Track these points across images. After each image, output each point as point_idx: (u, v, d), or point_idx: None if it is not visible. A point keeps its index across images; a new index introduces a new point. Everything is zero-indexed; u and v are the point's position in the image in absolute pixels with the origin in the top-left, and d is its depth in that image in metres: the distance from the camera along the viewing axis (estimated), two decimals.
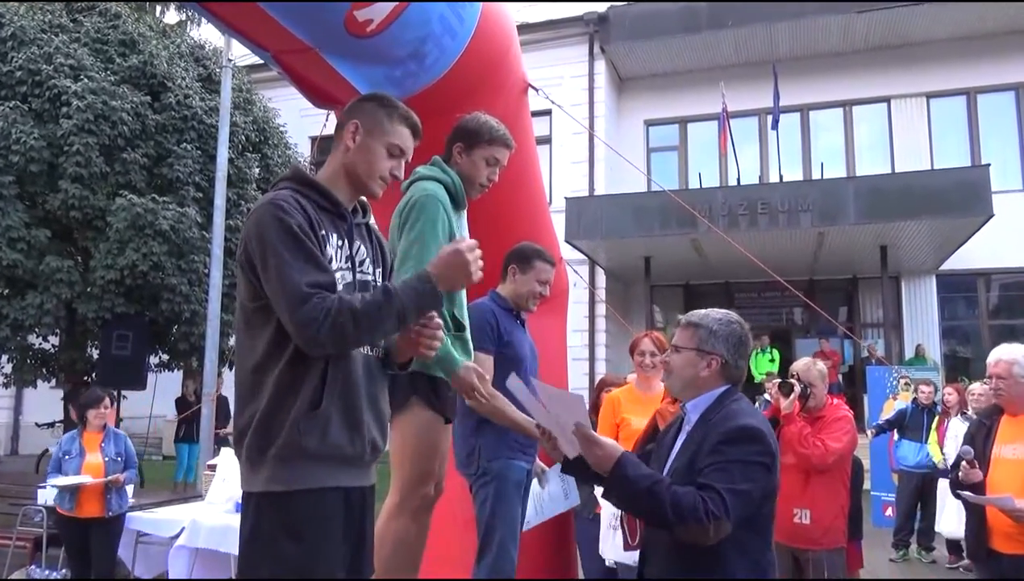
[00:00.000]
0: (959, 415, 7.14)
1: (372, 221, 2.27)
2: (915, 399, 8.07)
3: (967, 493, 3.35)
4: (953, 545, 7.34)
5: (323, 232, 1.97)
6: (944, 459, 6.96)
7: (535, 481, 3.53)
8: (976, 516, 3.36)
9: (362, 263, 2.10)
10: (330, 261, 1.96)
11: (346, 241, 2.06)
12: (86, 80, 10.17)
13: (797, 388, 3.99)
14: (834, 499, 3.94)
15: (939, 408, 7.81)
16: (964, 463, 3.39)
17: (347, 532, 1.96)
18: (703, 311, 2.37)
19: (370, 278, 2.12)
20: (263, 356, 1.90)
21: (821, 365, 4.18)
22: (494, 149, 2.86)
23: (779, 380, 4.17)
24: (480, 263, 2.02)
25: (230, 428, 9.00)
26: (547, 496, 3.62)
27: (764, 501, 2.12)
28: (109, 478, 5.36)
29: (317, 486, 1.88)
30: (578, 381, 14.01)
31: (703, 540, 1.98)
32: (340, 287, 1.97)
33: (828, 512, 3.90)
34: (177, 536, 5.18)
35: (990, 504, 3.24)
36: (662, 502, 1.97)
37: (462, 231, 2.84)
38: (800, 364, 4.19)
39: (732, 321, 2.33)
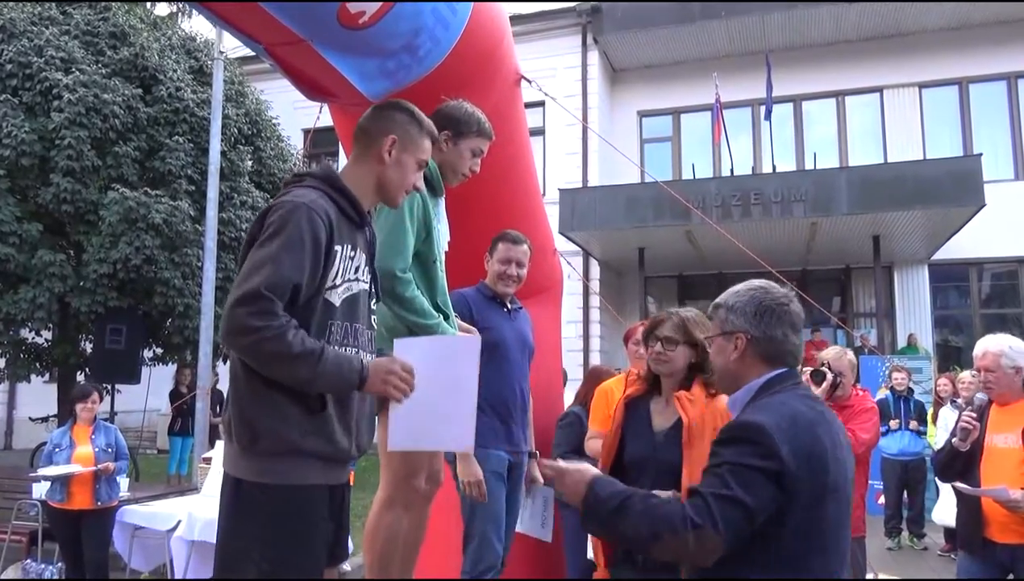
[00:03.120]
0: (950, 403, 7.21)
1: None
2: (892, 388, 8.15)
3: (961, 485, 3.34)
4: (950, 533, 7.41)
5: (338, 246, 1.99)
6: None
7: (523, 490, 3.50)
8: (969, 506, 3.35)
9: (362, 270, 2.13)
10: (338, 273, 1.99)
11: (359, 252, 2.09)
12: (77, 73, 10.11)
13: (829, 377, 4.01)
14: (855, 489, 3.99)
15: (915, 396, 7.99)
16: (964, 421, 3.37)
17: (331, 520, 2.04)
18: (728, 290, 2.07)
19: (366, 286, 2.15)
20: None
21: (852, 354, 4.23)
22: (480, 141, 2.88)
23: (811, 368, 4.17)
24: (403, 388, 1.98)
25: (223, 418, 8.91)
26: (528, 513, 3.60)
27: (781, 517, 1.72)
28: (99, 466, 5.39)
29: (308, 483, 1.94)
30: (573, 372, 13.99)
31: (682, 555, 1.69)
32: (346, 298, 2.02)
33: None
34: (173, 529, 5.20)
35: (985, 496, 3.24)
36: (635, 515, 1.71)
37: (439, 217, 2.84)
38: (831, 353, 4.21)
39: (752, 288, 2.03)
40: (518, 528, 3.49)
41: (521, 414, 3.34)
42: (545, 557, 4.13)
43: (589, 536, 2.94)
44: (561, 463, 1.88)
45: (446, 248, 2.89)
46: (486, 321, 3.20)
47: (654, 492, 1.83)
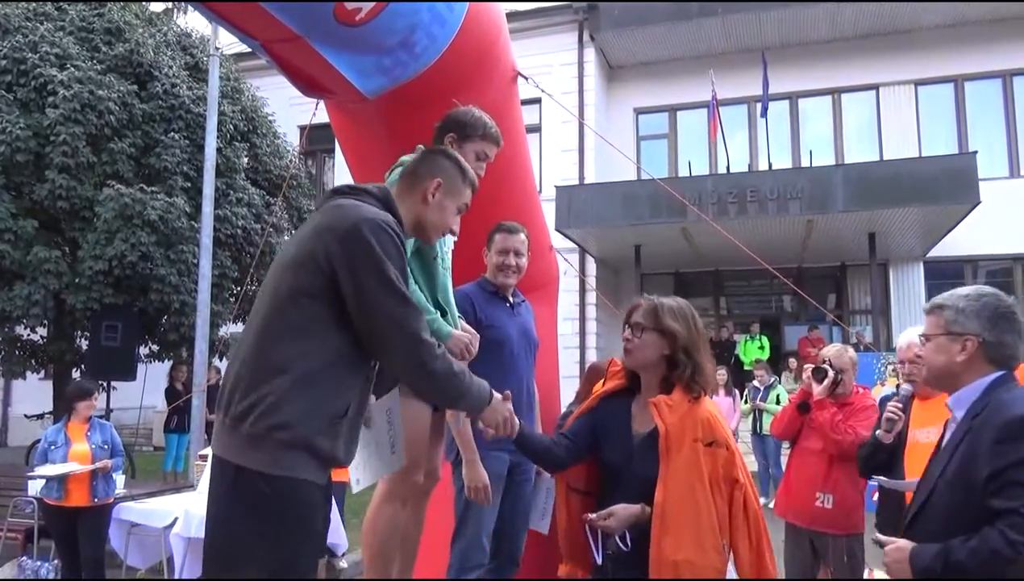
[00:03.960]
0: None
1: None
2: (898, 386, 8.14)
3: (881, 478, 3.24)
4: None
5: None
6: None
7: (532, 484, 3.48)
8: (891, 507, 3.28)
9: None
10: None
11: None
12: (72, 69, 10.07)
13: (831, 374, 4.00)
14: (855, 485, 3.97)
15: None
16: (889, 411, 3.27)
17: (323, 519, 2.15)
18: (949, 292, 2.15)
19: None
20: (313, 357, 1.93)
21: (852, 352, 4.18)
22: (486, 144, 2.88)
23: (811, 365, 4.15)
24: (503, 433, 2.36)
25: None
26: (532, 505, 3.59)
27: None
28: (97, 464, 5.38)
29: (310, 479, 1.95)
30: (568, 369, 14.03)
31: None
32: None
33: (849, 497, 3.93)
34: (170, 526, 5.20)
35: (906, 489, 3.05)
36: (969, 570, 1.81)
37: None
38: (832, 350, 4.18)
39: (983, 294, 2.10)
40: None
41: (527, 411, 3.34)
42: (548, 553, 4.14)
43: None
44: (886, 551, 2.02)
45: (451, 246, 2.89)
46: (490, 319, 3.20)
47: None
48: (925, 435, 3.18)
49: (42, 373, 12.61)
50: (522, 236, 3.36)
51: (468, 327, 2.85)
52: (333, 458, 1.99)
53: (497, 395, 2.28)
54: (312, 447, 1.92)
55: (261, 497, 1.88)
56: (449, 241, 2.87)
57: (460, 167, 2.32)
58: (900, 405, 3.29)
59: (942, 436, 2.17)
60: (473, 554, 3.08)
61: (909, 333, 3.36)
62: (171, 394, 11.75)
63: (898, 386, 6.83)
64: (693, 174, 15.45)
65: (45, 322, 10.66)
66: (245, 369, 1.95)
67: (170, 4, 13.50)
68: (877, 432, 3.33)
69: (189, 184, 10.76)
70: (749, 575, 2.31)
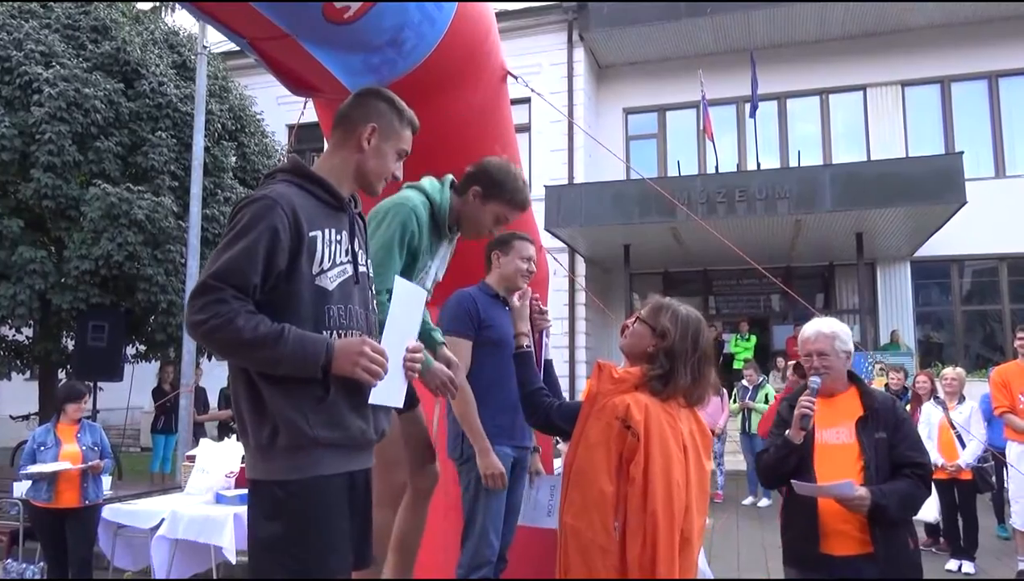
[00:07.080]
0: (931, 399, 7.27)
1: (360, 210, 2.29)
2: (887, 386, 8.23)
3: (801, 483, 2.87)
4: (931, 528, 7.50)
5: (317, 232, 1.97)
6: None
7: (526, 481, 3.50)
8: (802, 518, 2.91)
9: (359, 256, 2.12)
10: (324, 256, 1.97)
11: (345, 234, 2.07)
12: (58, 67, 9.99)
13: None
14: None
15: (909, 394, 8.02)
16: (803, 406, 2.90)
17: (353, 514, 2.01)
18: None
19: (364, 269, 2.15)
20: None
21: None
22: (509, 210, 2.86)
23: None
24: (375, 371, 1.90)
25: (207, 415, 9.09)
26: (532, 503, 3.59)
27: None
28: (89, 464, 5.33)
29: (327, 473, 1.92)
30: (559, 368, 14.01)
31: None
32: (340, 282, 2.00)
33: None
34: (157, 528, 5.16)
35: (827, 495, 2.81)
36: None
37: (436, 255, 2.81)
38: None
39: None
40: (521, 521, 3.47)
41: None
42: (548, 553, 4.13)
43: None
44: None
45: (430, 285, 2.84)
46: (490, 319, 3.23)
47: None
48: (834, 436, 2.96)
49: (27, 374, 12.50)
50: (534, 247, 3.49)
51: (451, 356, 2.77)
52: (346, 440, 1.94)
53: (342, 344, 1.90)
54: (315, 441, 1.88)
55: (277, 505, 1.88)
56: (430, 280, 2.83)
57: (397, 108, 2.18)
58: (813, 399, 2.93)
59: None
60: (483, 549, 3.09)
61: (814, 324, 3.10)
62: (158, 395, 11.67)
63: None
64: (682, 174, 15.49)
65: (30, 322, 10.56)
66: (240, 381, 1.95)
67: (157, 2, 13.41)
68: (787, 432, 2.96)
69: (176, 183, 10.70)
70: (636, 574, 2.14)
